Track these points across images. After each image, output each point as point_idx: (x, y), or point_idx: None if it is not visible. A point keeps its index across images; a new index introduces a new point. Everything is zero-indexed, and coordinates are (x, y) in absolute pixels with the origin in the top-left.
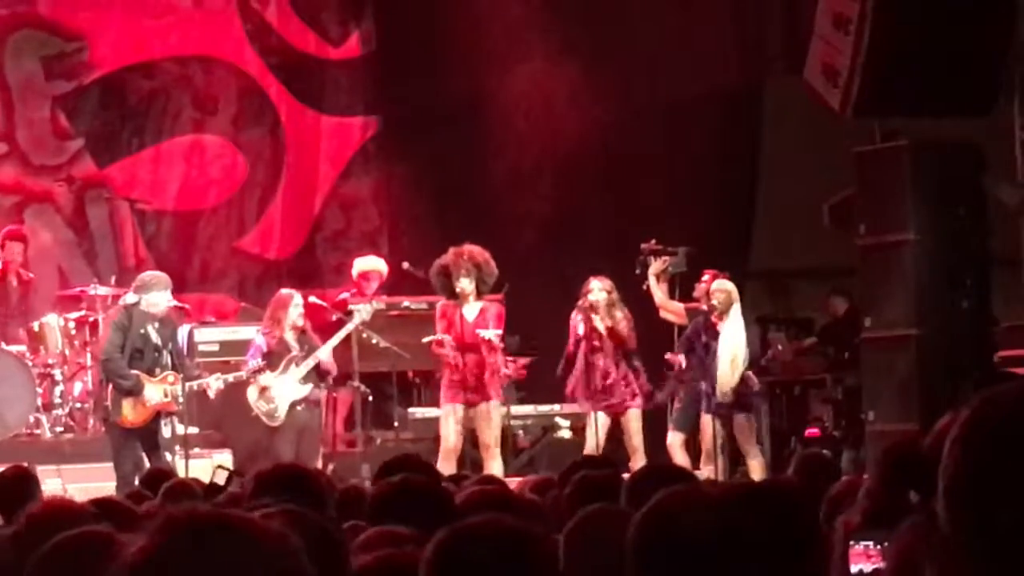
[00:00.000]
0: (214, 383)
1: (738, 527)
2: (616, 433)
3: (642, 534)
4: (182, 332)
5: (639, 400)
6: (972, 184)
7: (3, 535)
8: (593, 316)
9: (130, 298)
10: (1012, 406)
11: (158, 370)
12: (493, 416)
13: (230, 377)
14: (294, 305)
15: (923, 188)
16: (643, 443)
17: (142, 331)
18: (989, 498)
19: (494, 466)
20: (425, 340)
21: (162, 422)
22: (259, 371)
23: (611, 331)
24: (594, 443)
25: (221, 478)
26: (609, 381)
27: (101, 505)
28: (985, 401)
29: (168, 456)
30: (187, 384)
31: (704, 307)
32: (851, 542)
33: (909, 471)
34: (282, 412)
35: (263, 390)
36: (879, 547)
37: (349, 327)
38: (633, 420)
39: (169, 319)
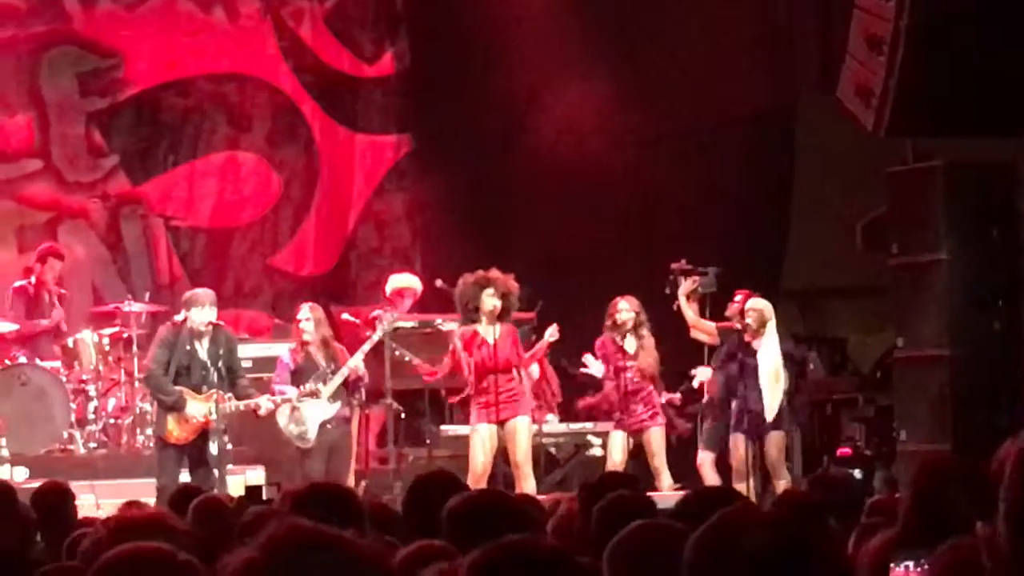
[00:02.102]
0: (264, 403)
1: (796, 547)
2: (637, 452)
3: (699, 552)
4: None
5: (661, 419)
6: (1005, 205)
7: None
8: (620, 336)
9: (181, 315)
10: None
11: (205, 387)
12: (522, 433)
13: (278, 399)
14: (303, 317)
15: (956, 208)
16: (666, 462)
17: (188, 348)
18: None
19: (526, 485)
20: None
21: (210, 439)
22: (312, 394)
23: (638, 351)
24: (617, 461)
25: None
26: (632, 401)
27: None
28: None
29: (216, 473)
30: (235, 403)
31: (738, 326)
32: (892, 564)
33: (946, 493)
34: (312, 435)
35: (293, 411)
36: (920, 568)
37: (374, 338)
38: (655, 440)
39: (222, 336)
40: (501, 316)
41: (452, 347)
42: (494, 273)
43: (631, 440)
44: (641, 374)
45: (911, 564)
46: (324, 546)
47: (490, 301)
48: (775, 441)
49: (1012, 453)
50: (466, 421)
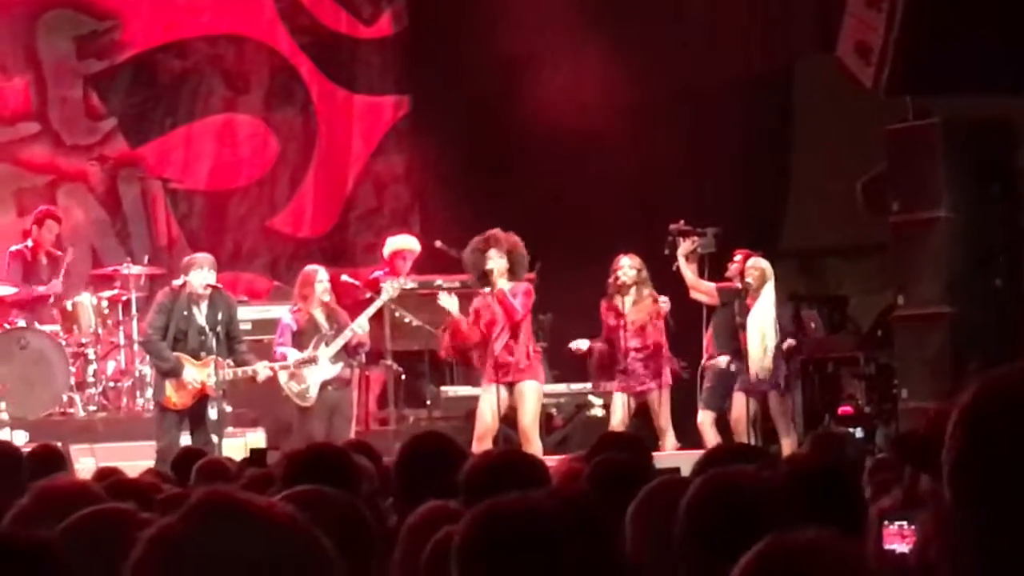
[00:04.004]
0: (262, 371)
1: (792, 503)
2: (640, 413)
3: (697, 499)
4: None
5: (663, 380)
6: (1005, 161)
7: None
8: (620, 296)
9: (179, 280)
10: (1012, 388)
11: (203, 353)
12: (529, 398)
13: (276, 366)
14: (319, 281)
15: (955, 166)
16: (671, 422)
17: (185, 313)
18: (992, 481)
19: (532, 448)
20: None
21: (209, 404)
22: (308, 362)
23: (638, 310)
24: (617, 423)
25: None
26: (633, 361)
27: (114, 487)
28: (985, 385)
29: (215, 438)
30: (234, 371)
31: (737, 285)
32: (885, 522)
33: (914, 453)
34: (313, 393)
35: (294, 371)
36: (913, 527)
37: (378, 303)
38: (658, 401)
39: (222, 301)
40: (512, 274)
41: (451, 322)
42: (488, 234)
43: (632, 401)
44: (635, 329)
45: (904, 523)
46: (240, 514)
47: (492, 262)
48: (776, 400)
49: (953, 413)
50: (465, 382)
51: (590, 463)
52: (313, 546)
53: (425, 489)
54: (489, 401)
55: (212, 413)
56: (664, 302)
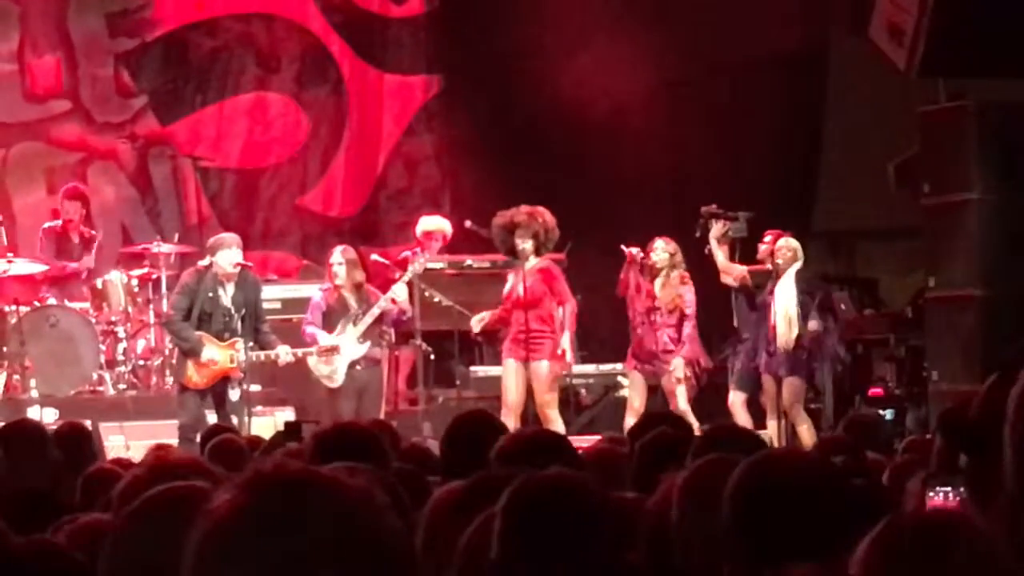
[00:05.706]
0: (284, 354)
1: (838, 486)
2: (657, 392)
3: (743, 483)
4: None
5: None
6: None
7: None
8: (650, 276)
9: (206, 260)
10: None
11: (228, 334)
12: (545, 375)
13: (299, 352)
14: (335, 261)
15: (988, 148)
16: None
17: (211, 294)
18: None
19: (553, 425)
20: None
21: (229, 385)
22: (331, 350)
23: (666, 294)
24: (636, 405)
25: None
26: (660, 343)
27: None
28: None
29: (235, 419)
30: (257, 354)
31: (768, 266)
32: (929, 492)
33: (957, 434)
34: (341, 374)
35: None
36: (957, 494)
37: (405, 277)
38: (670, 384)
39: (248, 282)
40: (539, 251)
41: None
42: (522, 216)
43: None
44: (661, 313)
45: (948, 490)
46: (309, 485)
47: (522, 244)
48: (788, 387)
49: (1016, 392)
50: (495, 362)
51: (639, 441)
52: (386, 520)
53: (471, 467)
54: (512, 377)
55: (233, 394)
56: (687, 291)
